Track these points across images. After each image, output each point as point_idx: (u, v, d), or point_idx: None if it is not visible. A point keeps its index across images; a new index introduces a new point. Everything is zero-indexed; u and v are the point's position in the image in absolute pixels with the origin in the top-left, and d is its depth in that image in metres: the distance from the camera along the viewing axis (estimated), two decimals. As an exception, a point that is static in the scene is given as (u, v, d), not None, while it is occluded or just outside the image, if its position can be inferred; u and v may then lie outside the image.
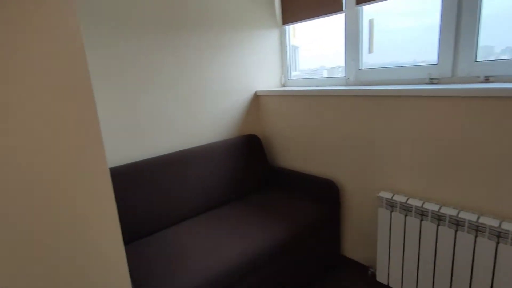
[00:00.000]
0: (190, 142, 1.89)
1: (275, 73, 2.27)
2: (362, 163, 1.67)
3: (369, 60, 1.80)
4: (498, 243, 1.16)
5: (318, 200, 1.79)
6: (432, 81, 1.50)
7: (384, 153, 1.56)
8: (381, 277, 1.59)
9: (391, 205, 1.47)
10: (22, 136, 0.64)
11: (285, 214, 1.63)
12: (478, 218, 1.21)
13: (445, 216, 1.29)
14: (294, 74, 2.30)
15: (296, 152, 2.04)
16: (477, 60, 1.36)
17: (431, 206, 1.34)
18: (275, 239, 1.45)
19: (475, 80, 1.36)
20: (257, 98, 2.21)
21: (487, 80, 1.33)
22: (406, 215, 1.42)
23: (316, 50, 2.19)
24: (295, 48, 2.32)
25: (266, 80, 2.23)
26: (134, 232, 1.49)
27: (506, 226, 1.14)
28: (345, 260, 1.89)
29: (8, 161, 0.63)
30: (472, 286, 1.26)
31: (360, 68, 1.81)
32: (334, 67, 2.06)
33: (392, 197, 1.47)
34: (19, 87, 0.63)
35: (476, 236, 1.21)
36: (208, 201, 1.77)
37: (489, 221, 1.18)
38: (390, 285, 1.56)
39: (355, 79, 1.82)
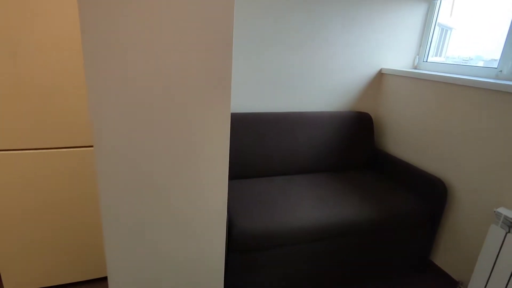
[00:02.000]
0: (305, 106, 1.97)
1: (409, 53, 2.07)
2: (485, 169, 1.44)
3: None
4: None
5: (420, 196, 1.66)
6: None
7: (508, 163, 1.31)
8: (470, 298, 1.42)
9: (509, 225, 1.25)
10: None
11: (380, 198, 1.58)
12: None
13: None
14: (435, 59, 2.04)
15: (408, 141, 1.88)
16: None
17: None
18: (364, 217, 1.45)
19: None
20: (380, 76, 2.09)
21: None
22: (526, 242, 1.20)
23: (475, 34, 1.85)
24: (448, 29, 2.02)
25: (396, 59, 2.06)
26: (241, 170, 1.72)
27: None
28: (433, 267, 1.73)
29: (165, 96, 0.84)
30: None
31: (521, 60, 1.48)
32: (491, 60, 1.73)
33: (513, 216, 1.25)
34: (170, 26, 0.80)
35: None
36: (309, 164, 1.86)
37: None
38: (479, 310, 1.38)
39: (511, 73, 1.51)
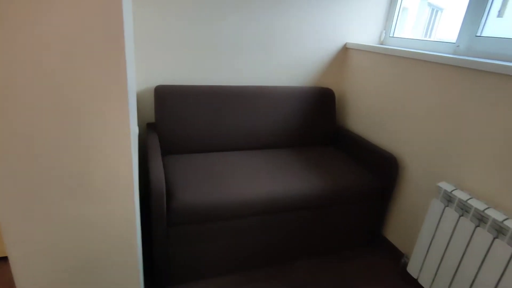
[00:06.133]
0: (266, 80, 1.92)
1: (375, 27, 2.02)
2: (433, 145, 1.45)
3: (495, 26, 1.42)
4: None
5: (374, 172, 1.67)
6: None
7: (464, 141, 1.31)
8: (412, 270, 1.46)
9: (448, 199, 1.27)
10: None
11: (333, 173, 1.58)
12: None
13: (508, 231, 1.06)
14: (404, 34, 2.00)
15: (368, 117, 1.87)
16: None
17: (494, 214, 1.11)
18: (313, 191, 1.45)
19: None
20: (345, 51, 2.04)
21: None
22: (461, 215, 1.22)
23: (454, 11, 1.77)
24: (438, 9, 1.95)
25: (362, 34, 2.01)
26: (186, 146, 1.68)
27: None
28: (384, 241, 1.77)
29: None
30: (510, 316, 1.06)
31: (477, 35, 1.45)
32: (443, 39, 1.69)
33: (452, 190, 1.26)
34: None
35: (538, 265, 0.98)
36: (268, 140, 1.84)
37: None
38: (419, 281, 1.43)
39: (467, 48, 1.49)
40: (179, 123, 1.65)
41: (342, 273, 1.55)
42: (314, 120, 1.93)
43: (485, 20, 1.44)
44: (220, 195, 1.31)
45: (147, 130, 1.65)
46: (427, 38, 1.78)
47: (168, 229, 1.27)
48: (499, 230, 1.09)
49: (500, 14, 1.41)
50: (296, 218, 1.49)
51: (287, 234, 1.51)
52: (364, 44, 1.91)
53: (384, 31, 2.04)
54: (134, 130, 0.94)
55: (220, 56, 1.77)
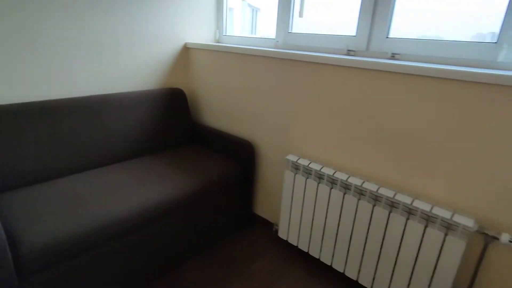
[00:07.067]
0: (110, 87, 1.75)
1: (209, 27, 2.16)
2: (278, 125, 1.71)
3: (300, 24, 1.78)
4: (374, 205, 1.30)
5: (235, 160, 1.83)
6: (349, 52, 1.54)
7: (299, 117, 1.61)
8: (282, 234, 1.72)
9: (296, 168, 1.55)
10: None
11: (198, 169, 1.63)
12: (362, 182, 1.34)
13: (337, 180, 1.40)
14: (238, 32, 2.21)
15: (220, 111, 2.02)
16: (388, 36, 1.42)
17: (328, 171, 1.44)
18: (183, 192, 1.45)
19: (384, 55, 1.43)
20: (187, 50, 2.10)
21: (393, 56, 1.40)
22: (307, 178, 1.51)
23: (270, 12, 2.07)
24: (257, 9, 2.19)
25: (199, 33, 2.11)
26: (22, 178, 1.37)
27: (399, 196, 1.27)
28: (256, 218, 1.99)
29: None
30: (352, 238, 1.41)
31: (289, 31, 1.79)
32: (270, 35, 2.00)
33: (297, 160, 1.54)
34: None
35: (359, 199, 1.34)
36: (125, 151, 1.70)
37: (371, 187, 1.31)
38: (289, 240, 1.69)
39: (284, 42, 1.81)
40: (2, 153, 1.31)
41: (230, 258, 1.66)
42: (169, 121, 1.91)
43: (292, 20, 1.78)
44: (79, 225, 1.14)
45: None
46: (253, 35, 2.06)
47: (21, 283, 1.02)
48: (332, 182, 1.42)
49: (300, 14, 1.78)
50: (173, 223, 1.47)
51: (168, 240, 1.47)
52: (202, 43, 2.02)
53: (217, 31, 2.21)
54: None
55: (49, 66, 1.49)
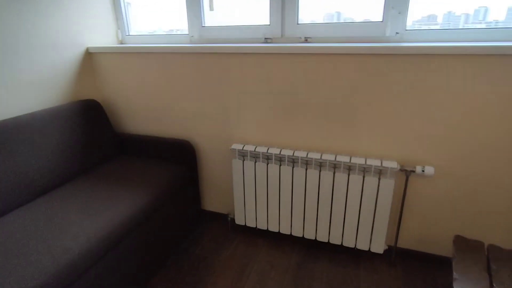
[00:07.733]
0: (6, 110, 1.44)
1: (109, 27, 1.97)
2: (214, 119, 1.74)
3: (212, 18, 1.81)
4: (320, 171, 1.50)
5: (175, 163, 1.78)
6: (266, 40, 1.67)
7: (232, 108, 1.67)
8: (239, 220, 1.79)
9: (243, 155, 1.63)
10: None
11: (140, 182, 1.53)
12: (307, 153, 1.51)
13: (285, 157, 1.54)
14: (140, 31, 2.06)
15: (146, 116, 1.90)
16: (298, 23, 1.60)
17: (274, 150, 1.56)
18: (133, 210, 1.35)
19: (298, 40, 1.61)
20: (89, 56, 1.88)
21: (306, 40, 1.59)
22: (255, 162, 1.61)
23: (153, 9, 1.99)
24: (128, 4, 2.04)
25: (99, 35, 1.90)
26: None
27: (339, 158, 1.48)
28: (207, 214, 2.00)
29: None
30: (306, 204, 1.59)
31: (203, 25, 1.80)
32: (172, 30, 1.96)
33: (243, 147, 1.62)
34: None
35: (306, 169, 1.52)
36: (47, 182, 1.44)
37: (315, 155, 1.50)
38: (247, 224, 1.78)
39: (199, 36, 1.81)
40: None
41: (196, 259, 1.64)
42: (90, 137, 1.71)
43: (203, 14, 1.79)
44: (23, 279, 0.97)
45: None
46: (164, 33, 1.97)
47: None
48: (280, 160, 1.55)
49: (211, 8, 1.81)
50: (129, 245, 1.37)
51: (132, 261, 1.37)
52: (105, 46, 1.84)
53: (119, 30, 2.03)
54: None
55: None
